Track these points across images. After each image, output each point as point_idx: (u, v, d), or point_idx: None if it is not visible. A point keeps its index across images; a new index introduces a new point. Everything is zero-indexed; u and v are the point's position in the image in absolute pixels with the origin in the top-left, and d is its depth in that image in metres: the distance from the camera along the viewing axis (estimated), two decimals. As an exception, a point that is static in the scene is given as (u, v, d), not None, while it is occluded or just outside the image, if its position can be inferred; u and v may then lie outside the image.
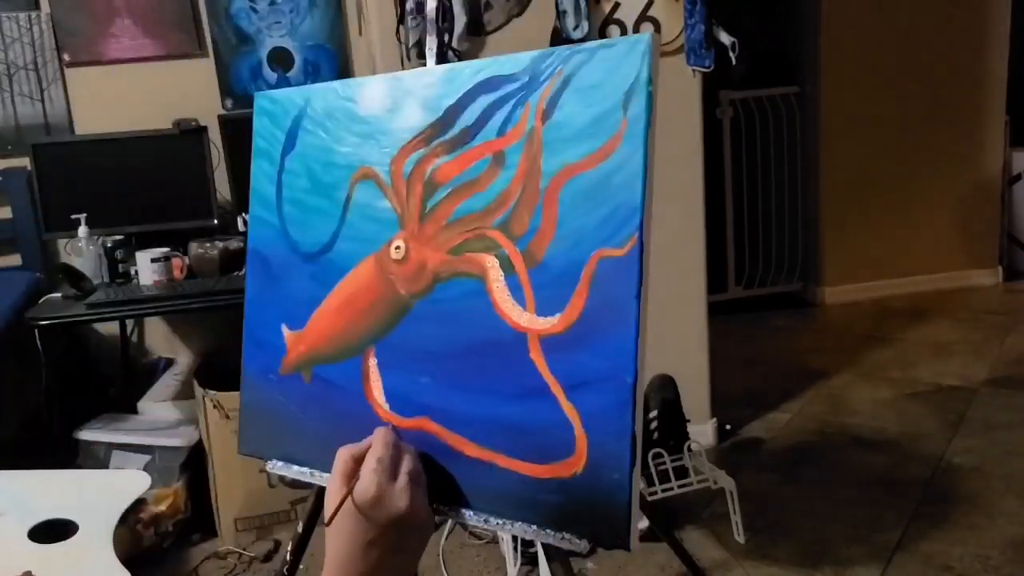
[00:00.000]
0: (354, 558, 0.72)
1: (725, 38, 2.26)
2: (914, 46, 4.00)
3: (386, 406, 0.88)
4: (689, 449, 2.05)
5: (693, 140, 2.40)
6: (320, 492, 1.11)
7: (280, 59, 2.77)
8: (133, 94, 2.69)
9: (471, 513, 0.83)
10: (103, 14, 2.65)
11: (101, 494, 1.58)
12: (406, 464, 0.75)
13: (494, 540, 2.11)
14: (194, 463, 2.29)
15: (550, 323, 0.78)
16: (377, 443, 0.75)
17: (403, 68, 2.21)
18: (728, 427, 2.69)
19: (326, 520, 0.73)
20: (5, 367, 2.20)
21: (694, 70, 2.32)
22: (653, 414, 2.19)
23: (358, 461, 0.75)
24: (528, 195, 0.80)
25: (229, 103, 2.75)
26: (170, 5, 2.68)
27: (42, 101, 2.65)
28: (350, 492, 0.72)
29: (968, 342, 3.42)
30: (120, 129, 2.55)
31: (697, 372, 2.54)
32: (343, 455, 0.76)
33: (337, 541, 0.73)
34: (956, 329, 3.61)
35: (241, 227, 2.49)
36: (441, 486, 0.83)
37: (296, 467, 1.00)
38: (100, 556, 1.42)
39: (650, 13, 2.29)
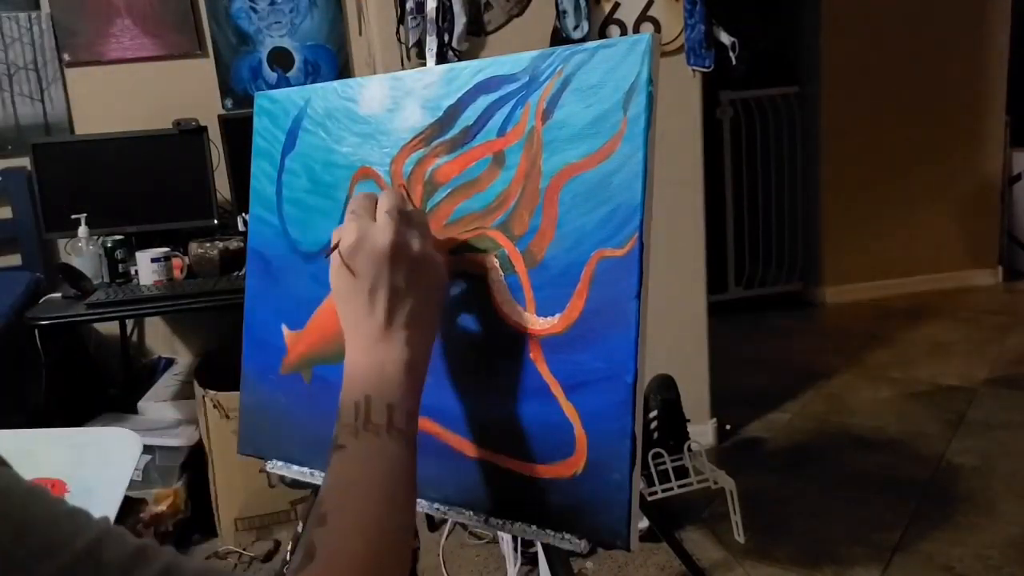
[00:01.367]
0: (363, 312, 0.70)
1: (725, 38, 2.26)
2: (914, 46, 4.00)
3: (386, 406, 0.88)
4: (689, 449, 2.05)
5: (693, 140, 2.40)
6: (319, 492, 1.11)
7: (280, 59, 2.77)
8: (133, 94, 2.69)
9: (471, 513, 0.83)
10: (103, 14, 2.65)
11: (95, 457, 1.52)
12: (383, 204, 0.72)
13: (494, 540, 2.11)
14: (194, 463, 2.29)
15: (550, 323, 0.78)
16: (354, 198, 0.74)
17: (403, 68, 2.21)
18: (728, 427, 2.69)
19: (328, 252, 0.71)
20: (5, 367, 2.20)
21: (694, 70, 2.32)
22: (653, 414, 2.18)
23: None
24: (528, 195, 0.80)
25: (229, 103, 2.75)
26: (170, 5, 2.68)
27: (42, 101, 2.65)
28: (335, 247, 0.70)
29: (968, 342, 3.42)
30: (120, 129, 2.55)
31: (697, 372, 2.54)
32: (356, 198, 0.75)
33: (344, 304, 0.71)
34: (956, 329, 3.61)
35: (241, 227, 2.49)
36: (441, 486, 0.83)
37: (296, 467, 1.00)
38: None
39: (650, 13, 2.29)
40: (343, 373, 0.70)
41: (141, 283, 2.31)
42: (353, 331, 0.71)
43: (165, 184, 2.52)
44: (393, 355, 0.69)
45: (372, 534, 0.60)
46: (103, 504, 1.34)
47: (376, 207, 0.72)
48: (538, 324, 0.78)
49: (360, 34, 2.78)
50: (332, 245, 0.71)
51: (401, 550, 0.62)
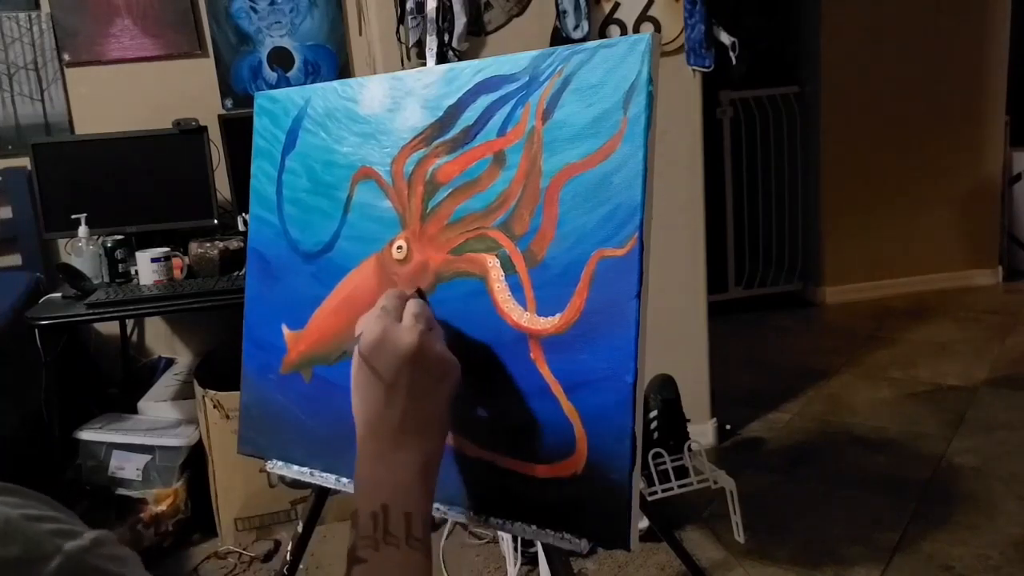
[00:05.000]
0: (378, 411, 0.70)
1: (725, 38, 2.26)
2: (914, 46, 3.99)
3: (386, 406, 0.88)
4: (689, 449, 2.05)
5: (693, 140, 2.40)
6: (319, 492, 1.11)
7: (280, 59, 2.77)
8: (133, 94, 2.69)
9: (471, 513, 0.83)
10: (103, 14, 2.65)
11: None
12: (411, 308, 0.74)
13: (494, 540, 2.11)
14: (194, 463, 2.29)
15: (550, 323, 0.78)
16: (386, 295, 0.76)
17: (403, 68, 2.21)
18: (728, 427, 2.69)
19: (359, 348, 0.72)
20: (5, 367, 2.20)
21: (694, 70, 2.32)
22: (653, 414, 2.18)
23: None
24: (529, 195, 0.80)
25: (229, 103, 2.75)
26: (170, 5, 2.68)
27: (42, 101, 2.65)
28: (358, 337, 0.71)
29: (968, 342, 3.42)
30: (120, 129, 2.55)
31: (697, 372, 2.54)
32: (390, 294, 0.77)
33: (361, 401, 0.72)
34: (956, 329, 3.61)
35: (241, 227, 2.49)
36: (441, 486, 0.83)
37: (296, 467, 1.00)
38: None
39: (650, 13, 2.29)
40: (355, 476, 0.70)
41: (141, 283, 2.31)
42: (366, 432, 0.71)
43: (165, 184, 2.52)
44: (408, 461, 0.69)
45: None
46: None
47: (404, 308, 0.74)
48: (538, 324, 0.78)
49: (360, 34, 2.78)
50: (356, 335, 0.72)
51: None
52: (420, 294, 0.85)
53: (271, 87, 2.77)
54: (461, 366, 0.75)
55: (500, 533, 1.97)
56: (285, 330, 1.00)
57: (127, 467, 2.29)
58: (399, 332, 0.71)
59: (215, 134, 2.55)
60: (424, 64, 2.19)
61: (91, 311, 2.16)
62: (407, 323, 0.72)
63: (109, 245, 2.37)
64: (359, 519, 0.67)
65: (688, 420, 2.25)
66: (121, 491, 2.29)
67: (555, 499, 0.76)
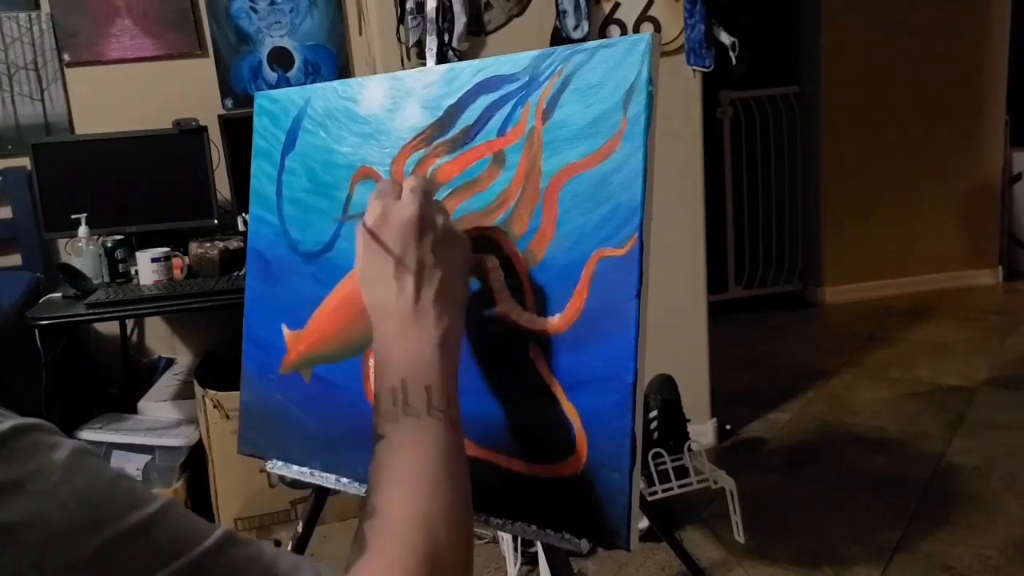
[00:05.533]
0: (389, 289, 0.69)
1: (725, 38, 2.26)
2: (914, 46, 3.99)
3: (386, 406, 0.88)
4: (689, 449, 2.05)
5: (693, 140, 2.40)
6: (319, 492, 1.11)
7: (280, 59, 2.77)
8: (133, 94, 2.69)
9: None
10: (103, 14, 2.65)
11: None
12: (409, 183, 0.72)
13: (494, 540, 2.11)
14: (194, 463, 2.29)
15: (550, 323, 0.78)
16: (380, 184, 0.75)
17: (403, 68, 2.21)
18: (728, 427, 2.69)
19: (343, 218, 0.71)
20: (5, 367, 2.20)
21: (694, 70, 2.32)
22: (653, 414, 2.18)
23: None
24: (528, 195, 0.80)
25: (229, 103, 2.75)
26: (170, 5, 2.68)
27: (42, 101, 2.65)
28: (350, 217, 0.71)
29: (968, 342, 3.42)
30: (120, 129, 2.55)
31: (697, 372, 2.54)
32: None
33: (370, 284, 0.71)
34: (956, 329, 3.61)
35: (241, 227, 2.49)
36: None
37: (296, 467, 1.00)
38: None
39: (650, 13, 2.29)
40: (374, 360, 0.69)
41: (141, 283, 2.31)
42: (381, 312, 0.69)
43: (165, 184, 2.52)
44: (426, 335, 0.67)
45: (422, 521, 0.58)
46: None
47: (400, 188, 0.72)
48: (538, 324, 0.78)
49: (360, 34, 2.78)
50: (353, 215, 0.71)
51: (458, 534, 0.60)
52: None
53: (271, 87, 2.77)
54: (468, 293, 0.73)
55: (500, 533, 1.97)
56: (285, 330, 1.00)
57: (127, 467, 2.29)
58: (399, 207, 0.70)
59: (215, 134, 2.55)
60: (424, 64, 2.19)
61: (91, 311, 2.16)
62: (406, 197, 0.71)
63: (109, 245, 2.37)
64: (379, 396, 0.65)
65: (688, 420, 2.25)
66: (121, 491, 2.29)
67: (555, 499, 0.76)
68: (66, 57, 2.65)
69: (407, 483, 0.61)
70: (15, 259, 2.66)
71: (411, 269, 0.68)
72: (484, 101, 0.84)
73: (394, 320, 0.68)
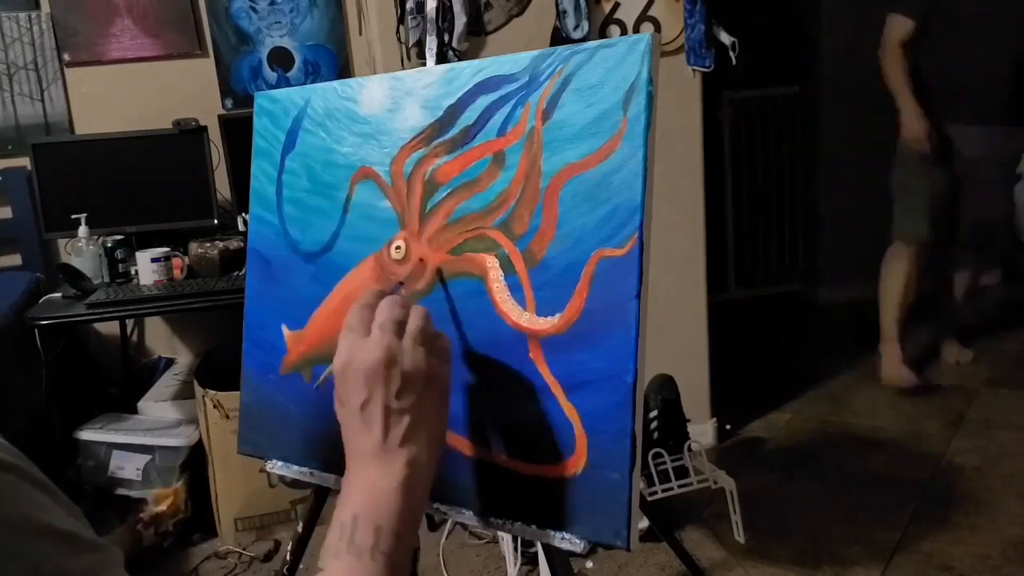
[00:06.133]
0: (355, 431, 0.68)
1: (725, 38, 2.26)
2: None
3: (386, 406, 0.88)
4: (689, 449, 2.05)
5: (693, 140, 2.40)
6: (319, 492, 1.11)
7: (280, 59, 2.77)
8: (133, 94, 2.68)
9: (471, 513, 0.83)
10: (103, 14, 2.65)
11: None
12: (380, 314, 0.70)
13: (494, 540, 2.11)
14: (194, 463, 2.29)
15: (550, 323, 0.78)
16: (356, 303, 0.72)
17: (403, 68, 2.21)
18: (728, 427, 2.69)
19: (319, 383, 0.70)
20: (5, 367, 2.20)
21: (694, 70, 2.32)
22: (653, 414, 2.18)
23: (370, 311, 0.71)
24: (528, 195, 0.80)
25: (229, 103, 2.75)
26: (170, 5, 2.68)
27: (42, 101, 2.65)
28: (329, 373, 0.69)
29: (968, 342, 3.41)
30: (120, 129, 2.55)
31: (697, 372, 2.54)
32: (354, 310, 0.71)
33: (340, 422, 0.70)
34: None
35: (241, 227, 2.49)
36: (441, 486, 0.83)
37: (296, 467, 1.00)
38: None
39: (650, 13, 2.29)
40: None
41: (141, 283, 2.31)
42: (349, 447, 0.69)
43: (165, 184, 2.52)
44: (387, 476, 0.66)
45: None
46: None
47: (370, 321, 0.70)
48: (538, 324, 0.78)
49: (360, 34, 2.78)
50: (328, 370, 0.71)
51: None
52: (401, 285, 0.84)
53: (271, 87, 2.77)
54: (453, 364, 0.72)
55: (500, 533, 1.97)
56: (285, 330, 1.00)
57: (127, 467, 2.29)
58: (363, 351, 0.67)
59: (215, 134, 2.55)
60: (424, 64, 2.19)
61: (91, 311, 2.16)
62: (373, 336, 0.68)
63: (109, 245, 2.37)
64: (331, 530, 0.66)
65: (688, 420, 2.25)
66: (121, 491, 2.29)
67: (555, 499, 0.76)
68: (66, 57, 2.65)
69: None
70: (15, 259, 2.66)
71: (377, 412, 0.67)
72: (484, 101, 0.84)
73: (358, 457, 0.68)
